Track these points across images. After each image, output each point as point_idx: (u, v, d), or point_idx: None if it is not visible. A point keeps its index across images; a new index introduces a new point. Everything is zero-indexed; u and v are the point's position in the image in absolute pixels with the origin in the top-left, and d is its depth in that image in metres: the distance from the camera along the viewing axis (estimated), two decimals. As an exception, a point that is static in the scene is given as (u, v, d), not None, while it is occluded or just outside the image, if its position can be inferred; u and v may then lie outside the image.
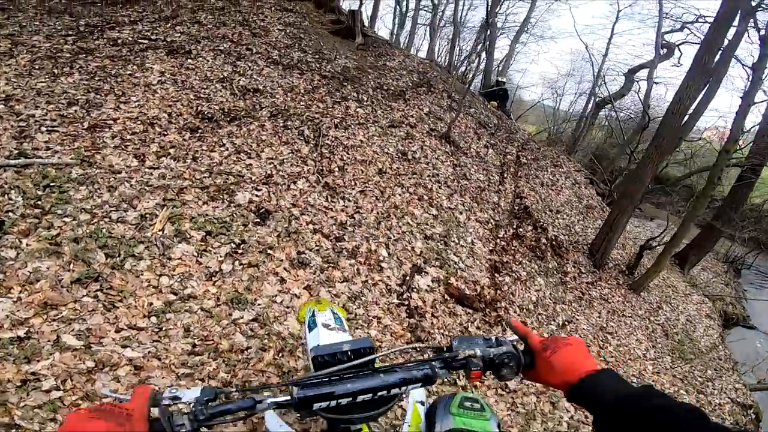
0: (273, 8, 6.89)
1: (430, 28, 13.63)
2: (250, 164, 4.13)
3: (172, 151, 3.95)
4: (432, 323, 3.48)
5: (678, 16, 11.99)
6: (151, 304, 2.39)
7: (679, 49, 12.09)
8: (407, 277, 3.68)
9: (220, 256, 2.99)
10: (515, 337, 0.81)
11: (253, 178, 3.97)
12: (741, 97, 5.91)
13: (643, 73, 12.14)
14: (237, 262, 3.03)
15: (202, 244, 3.00)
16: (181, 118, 4.37)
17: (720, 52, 5.26)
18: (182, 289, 2.59)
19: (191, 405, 0.67)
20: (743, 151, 7.48)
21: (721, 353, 5.81)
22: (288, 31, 6.34)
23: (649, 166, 5.53)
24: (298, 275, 3.28)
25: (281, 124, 4.61)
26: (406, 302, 3.53)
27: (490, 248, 4.70)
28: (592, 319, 4.93)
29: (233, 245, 3.15)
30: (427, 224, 4.33)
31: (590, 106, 12.61)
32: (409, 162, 5.08)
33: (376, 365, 0.81)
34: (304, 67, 5.65)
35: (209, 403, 0.68)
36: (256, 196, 3.81)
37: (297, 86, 5.25)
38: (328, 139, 4.69)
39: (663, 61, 12.04)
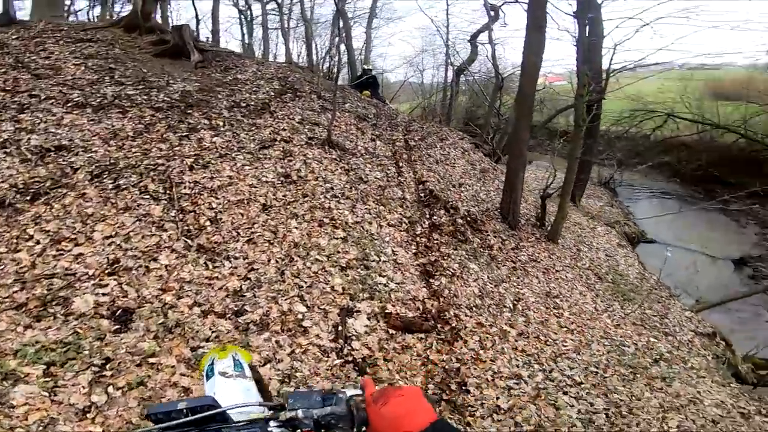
0: (62, 41, 5.34)
1: (281, 31, 12.61)
2: (81, 254, 2.99)
3: (-54, 269, 2.64)
4: (389, 369, 2.86)
5: (490, -23, 12.84)
6: (16, 465, 1.74)
7: (502, 10, 13.12)
8: (339, 327, 2.99)
9: (83, 387, 2.19)
10: (358, 391, 0.75)
11: (90, 273, 2.88)
12: (575, 45, 6.39)
13: (483, 38, 13.00)
14: (111, 387, 2.23)
15: (49, 379, 2.17)
16: (-52, 217, 2.98)
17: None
18: (50, 438, 1.86)
19: None
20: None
21: (651, 281, 6.28)
22: (90, 63, 4.93)
23: (523, 125, 5.69)
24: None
25: (111, 186, 3.45)
26: (350, 357, 2.86)
27: (414, 251, 4.23)
28: (534, 287, 4.83)
29: (95, 368, 2.29)
30: (338, 252, 3.65)
31: (450, 75, 13.13)
32: (296, 184, 4.31)
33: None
34: (126, 102, 4.41)
35: None
36: (103, 294, 2.78)
37: (122, 129, 4.04)
38: (184, 188, 3.67)
39: (494, 23, 12.99)
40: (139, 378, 2.30)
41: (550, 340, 4.02)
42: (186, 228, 3.37)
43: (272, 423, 0.72)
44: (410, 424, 0.63)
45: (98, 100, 4.33)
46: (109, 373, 2.28)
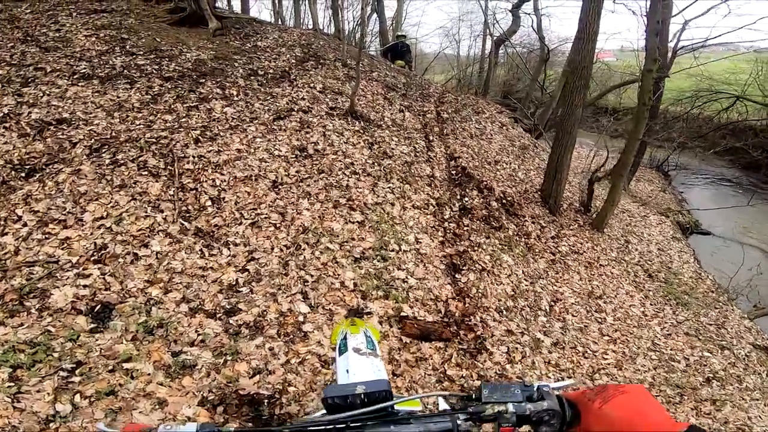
0: (75, 13, 4.90)
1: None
2: (67, 238, 2.58)
3: None
4: (397, 386, 2.29)
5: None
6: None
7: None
8: (344, 333, 2.43)
9: (48, 393, 1.83)
10: (563, 383, 0.67)
11: (74, 261, 2.46)
12: (646, 17, 5.28)
13: (526, 9, 11.56)
14: (78, 396, 1.86)
15: (13, 384, 1.84)
16: (-65, 195, 2.66)
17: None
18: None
19: None
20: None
21: (708, 282, 5.25)
22: (102, 34, 4.46)
23: (576, 99, 4.71)
24: (182, 386, 2.01)
25: (108, 161, 3.00)
26: (353, 369, 2.30)
27: (440, 239, 3.56)
28: (575, 284, 4.06)
29: (64, 373, 1.92)
30: (353, 239, 3.06)
31: (489, 46, 11.80)
32: (312, 158, 3.71)
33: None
34: (135, 73, 3.92)
35: None
36: (84, 286, 2.36)
37: (126, 101, 3.57)
38: (187, 162, 3.16)
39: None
40: (110, 386, 1.89)
41: (588, 351, 3.32)
42: (184, 208, 2.89)
43: (460, 415, 0.63)
44: (643, 424, 0.50)
45: (106, 71, 3.87)
46: (77, 379, 1.89)
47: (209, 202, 2.95)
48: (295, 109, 4.23)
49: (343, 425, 0.63)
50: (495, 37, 11.68)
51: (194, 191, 3.00)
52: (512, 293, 3.39)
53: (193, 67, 4.29)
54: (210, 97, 3.93)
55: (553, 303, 3.61)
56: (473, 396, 0.66)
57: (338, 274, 2.78)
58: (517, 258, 3.89)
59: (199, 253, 2.68)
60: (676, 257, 5.64)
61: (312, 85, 4.87)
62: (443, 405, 1.06)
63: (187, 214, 2.86)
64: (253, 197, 3.10)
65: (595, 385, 0.63)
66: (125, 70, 3.94)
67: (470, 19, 15.33)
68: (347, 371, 1.11)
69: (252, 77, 4.58)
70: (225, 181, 3.12)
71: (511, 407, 0.60)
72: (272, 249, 2.80)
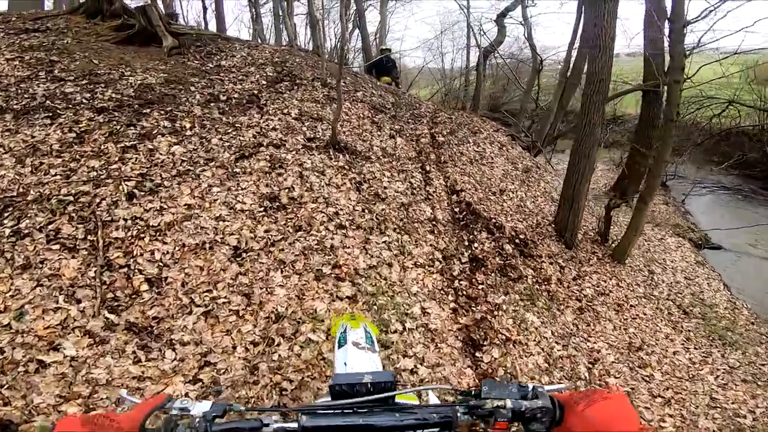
0: (2, 34, 4.16)
1: (282, 15, 10.93)
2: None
3: None
4: None
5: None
6: None
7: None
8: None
9: None
10: (556, 386, 0.71)
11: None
12: (669, 21, 4.75)
13: (513, 17, 11.31)
14: None
15: None
16: None
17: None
18: None
19: (197, 419, 0.65)
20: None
21: (745, 312, 4.79)
22: (27, 57, 3.71)
23: (595, 115, 4.20)
24: None
25: (9, 231, 2.26)
26: None
27: (451, 305, 2.91)
28: (610, 336, 3.47)
29: None
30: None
31: (476, 57, 11.47)
32: (286, 210, 3.02)
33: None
34: (60, 104, 3.19)
35: (216, 419, 0.65)
36: None
37: (43, 141, 2.83)
38: (116, 228, 2.43)
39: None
40: None
41: (643, 421, 2.76)
42: (111, 295, 2.16)
43: (460, 408, 0.69)
44: (617, 427, 0.57)
45: (23, 103, 3.12)
46: None
47: (145, 285, 2.22)
48: (265, 144, 3.55)
49: (351, 410, 0.67)
50: (482, 49, 11.34)
51: (125, 270, 2.27)
52: (546, 365, 2.76)
53: (136, 94, 3.57)
54: (154, 132, 3.21)
55: (591, 365, 3.01)
56: (473, 393, 0.69)
57: (327, 376, 2.09)
58: (542, 314, 3.27)
59: (132, 357, 1.96)
60: (706, 285, 5.16)
61: (286, 110, 4.20)
62: (434, 400, 1.22)
63: (115, 304, 2.13)
64: (208, 274, 2.39)
65: (584, 389, 0.63)
66: (48, 101, 3.19)
67: (453, 31, 15.07)
68: (345, 364, 1.13)
69: (212, 104, 3.89)
70: (168, 252, 2.40)
71: (509, 403, 0.65)
72: (234, 348, 2.09)
